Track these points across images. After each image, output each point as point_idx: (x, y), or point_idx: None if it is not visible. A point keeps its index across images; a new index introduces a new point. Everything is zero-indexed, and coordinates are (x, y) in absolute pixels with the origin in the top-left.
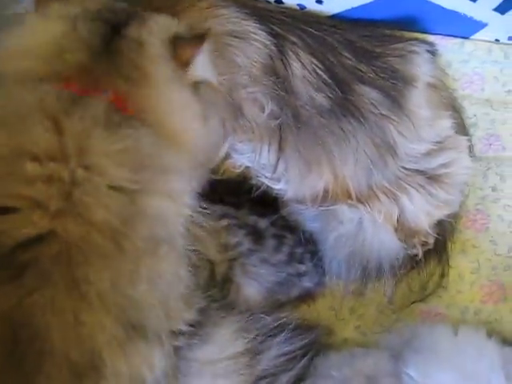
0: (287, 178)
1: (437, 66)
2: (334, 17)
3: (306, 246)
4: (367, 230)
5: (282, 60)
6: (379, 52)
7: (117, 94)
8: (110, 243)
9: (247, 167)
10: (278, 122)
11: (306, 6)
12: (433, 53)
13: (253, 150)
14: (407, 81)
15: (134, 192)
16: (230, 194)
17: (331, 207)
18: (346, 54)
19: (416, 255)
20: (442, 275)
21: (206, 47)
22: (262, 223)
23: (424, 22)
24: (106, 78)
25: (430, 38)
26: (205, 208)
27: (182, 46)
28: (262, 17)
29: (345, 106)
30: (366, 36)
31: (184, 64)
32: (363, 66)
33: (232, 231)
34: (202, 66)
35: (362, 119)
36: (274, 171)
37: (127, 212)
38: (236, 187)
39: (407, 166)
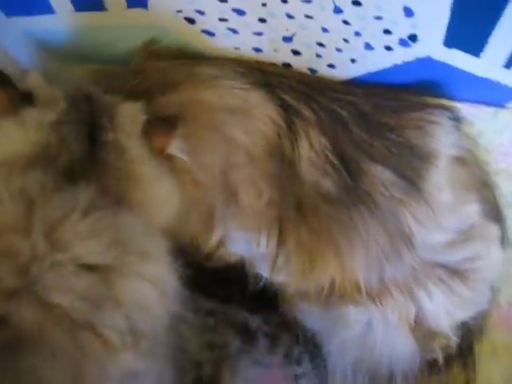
0: (289, 271)
1: (463, 136)
2: (348, 82)
3: (306, 345)
4: (377, 333)
5: (290, 139)
6: (394, 124)
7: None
8: (68, 336)
9: (243, 257)
10: (278, 210)
11: (318, 70)
12: (458, 120)
13: (249, 239)
14: (426, 158)
15: (106, 270)
16: (220, 284)
17: (337, 305)
18: (357, 130)
19: (436, 360)
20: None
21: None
22: (254, 321)
23: (451, 89)
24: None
25: (458, 105)
26: (190, 302)
27: (155, 136)
28: (272, 85)
29: (354, 193)
30: (381, 106)
31: (159, 151)
32: (376, 141)
33: (219, 330)
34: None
35: (373, 206)
36: (274, 263)
37: (97, 295)
38: (227, 276)
39: (425, 258)
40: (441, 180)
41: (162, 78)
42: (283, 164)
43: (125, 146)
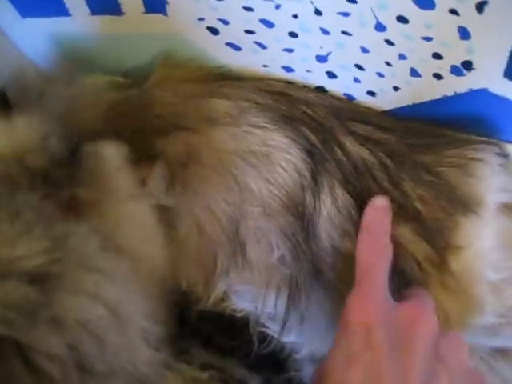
0: (301, 330)
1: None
2: (387, 114)
3: None
4: None
5: (313, 192)
6: (430, 162)
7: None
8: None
9: (248, 313)
10: (290, 271)
11: (356, 97)
12: (507, 158)
13: (255, 295)
14: (467, 204)
15: (43, 279)
16: (222, 333)
17: None
18: (386, 180)
19: None
20: None
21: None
22: (254, 381)
23: (508, 129)
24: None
25: (509, 148)
26: (184, 351)
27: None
28: (297, 120)
29: None
30: (419, 144)
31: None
32: (407, 187)
33: None
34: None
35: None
36: (283, 324)
37: (31, 309)
38: (233, 325)
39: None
40: (483, 236)
41: (172, 114)
42: (302, 222)
43: (104, 154)
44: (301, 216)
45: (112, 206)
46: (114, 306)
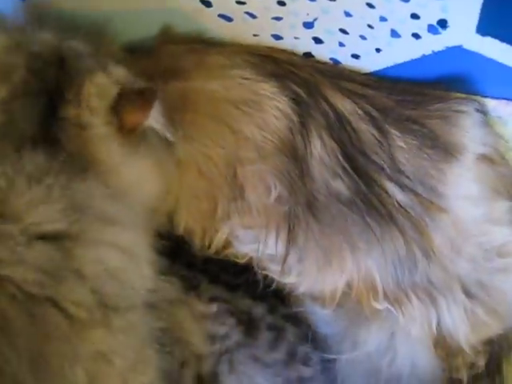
0: (300, 270)
1: (492, 132)
2: (371, 74)
3: (315, 343)
4: (399, 346)
5: (302, 135)
6: (417, 116)
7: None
8: (25, 313)
9: (251, 258)
10: (287, 207)
11: (341, 60)
12: (486, 114)
13: (256, 238)
14: (449, 152)
15: (62, 239)
16: (227, 272)
17: (354, 311)
18: (370, 132)
19: (460, 380)
20: None
21: (156, 110)
22: (258, 310)
23: (484, 84)
24: None
25: (491, 102)
26: (195, 287)
27: (127, 112)
28: (284, 76)
29: (367, 201)
30: (405, 100)
31: (130, 130)
32: (394, 135)
33: (221, 319)
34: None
35: (387, 218)
36: (283, 263)
37: (55, 267)
38: (235, 266)
39: (447, 269)
40: (466, 182)
41: (170, 63)
42: (295, 161)
43: (86, 123)
44: (294, 156)
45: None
46: (127, 247)
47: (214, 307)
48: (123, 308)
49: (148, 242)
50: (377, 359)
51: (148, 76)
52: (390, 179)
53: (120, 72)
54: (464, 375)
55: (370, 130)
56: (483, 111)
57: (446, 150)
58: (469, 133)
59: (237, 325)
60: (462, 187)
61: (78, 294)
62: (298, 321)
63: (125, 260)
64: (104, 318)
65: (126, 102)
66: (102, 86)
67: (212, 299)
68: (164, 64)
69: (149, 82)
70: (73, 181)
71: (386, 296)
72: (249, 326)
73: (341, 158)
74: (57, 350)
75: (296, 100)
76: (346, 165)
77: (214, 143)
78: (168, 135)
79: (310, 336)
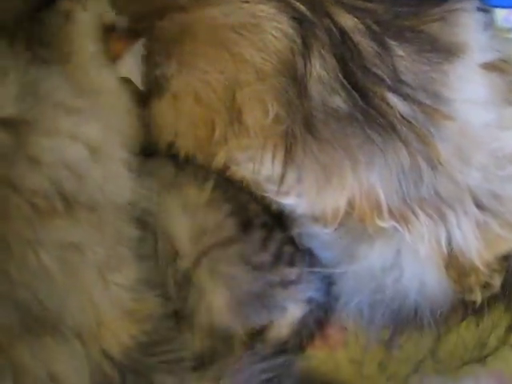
0: (299, 190)
1: (499, 38)
2: None
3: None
4: (405, 264)
5: (303, 56)
6: (415, 24)
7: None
8: None
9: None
10: (285, 127)
11: None
12: (488, 12)
13: (251, 158)
14: (451, 52)
15: (18, 125)
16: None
17: (357, 230)
18: (371, 46)
19: (473, 303)
20: (510, 328)
21: (138, 47)
22: (254, 205)
23: None
24: None
25: (502, 12)
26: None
27: (113, 38)
28: None
29: (368, 115)
30: (403, 12)
31: (112, 56)
32: (393, 45)
33: (215, 205)
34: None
35: (390, 130)
36: (281, 183)
37: (10, 152)
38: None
39: (456, 181)
40: (472, 85)
41: None
42: (294, 81)
43: (76, 17)
44: (292, 77)
45: (77, 69)
46: (94, 143)
47: (207, 192)
48: (89, 205)
49: (121, 141)
50: (382, 277)
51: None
52: (391, 90)
53: None
54: (478, 296)
55: (369, 44)
56: (484, 9)
57: (447, 51)
58: (471, 32)
59: (231, 215)
60: (469, 90)
61: (34, 181)
62: (286, 228)
63: (88, 156)
64: (67, 210)
65: (116, 30)
66: (102, 7)
67: (206, 178)
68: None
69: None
70: (34, 68)
71: (390, 213)
72: (243, 219)
73: (340, 75)
74: (18, 233)
75: (299, 19)
76: (345, 81)
77: (213, 69)
78: (139, 84)
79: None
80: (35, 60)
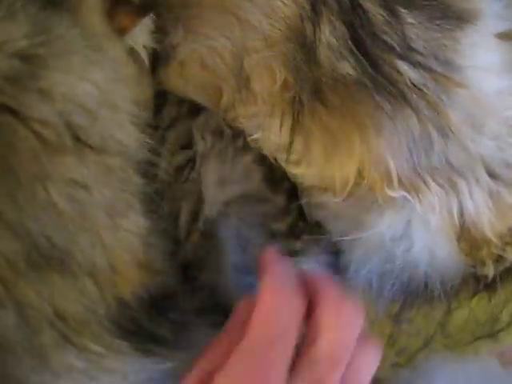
0: (308, 160)
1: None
2: None
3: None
4: (415, 235)
5: (313, 22)
6: None
7: None
8: None
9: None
10: (293, 94)
11: None
12: None
13: (258, 125)
14: (463, 18)
15: (29, 59)
16: None
17: (366, 200)
18: (383, 12)
19: (485, 277)
20: None
21: (147, 22)
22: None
23: None
24: None
25: None
26: None
27: (122, 11)
28: None
29: (377, 81)
30: None
31: (118, 30)
32: (404, 13)
33: (243, 153)
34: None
35: (400, 98)
36: (290, 152)
37: (20, 77)
38: None
39: (469, 150)
40: (485, 52)
41: None
42: (302, 47)
43: None
44: (301, 43)
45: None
46: (103, 87)
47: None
48: (97, 146)
49: (131, 96)
50: (391, 246)
51: None
52: (401, 57)
53: None
54: (490, 270)
55: (379, 12)
56: None
57: (458, 18)
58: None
59: (260, 165)
60: (481, 57)
61: (43, 112)
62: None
63: (97, 95)
64: (76, 147)
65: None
66: None
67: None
68: None
69: None
70: (45, 11)
71: (401, 182)
72: (271, 177)
73: (349, 41)
74: (26, 166)
75: None
76: (354, 47)
77: (220, 34)
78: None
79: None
80: (46, 3)
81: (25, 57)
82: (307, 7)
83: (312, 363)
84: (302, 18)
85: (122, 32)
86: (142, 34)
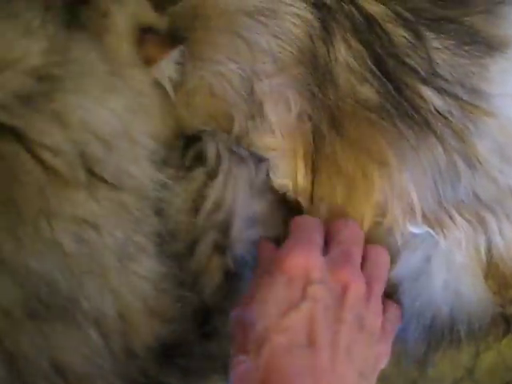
0: (327, 206)
1: None
2: None
3: None
4: (437, 273)
5: (325, 41)
6: (454, 16)
7: None
8: None
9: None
10: (310, 124)
11: None
12: None
13: (282, 166)
14: (493, 46)
15: (46, 77)
16: None
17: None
18: (403, 35)
19: None
20: None
21: (177, 53)
22: None
23: None
24: None
25: None
26: None
27: (151, 41)
28: None
29: (400, 106)
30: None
31: (146, 60)
32: (428, 36)
33: None
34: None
35: (424, 126)
36: (311, 198)
37: (32, 96)
38: None
39: (497, 182)
40: None
41: None
42: (316, 70)
43: (111, 12)
44: (314, 66)
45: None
46: (121, 116)
47: None
48: (112, 182)
49: (150, 130)
50: (410, 289)
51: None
52: (425, 83)
53: None
54: None
55: (401, 33)
56: None
57: (488, 44)
58: None
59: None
60: (510, 85)
61: (55, 138)
62: None
63: (114, 124)
64: (90, 182)
65: (153, 33)
66: (141, 8)
67: None
68: None
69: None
70: (66, 29)
71: (425, 217)
72: None
73: (369, 61)
74: (30, 200)
75: (316, 4)
76: (375, 68)
77: (227, 58)
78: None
79: None
80: (67, 22)
81: (39, 76)
82: (316, 25)
83: (339, 242)
84: (312, 38)
85: (148, 63)
86: (168, 66)
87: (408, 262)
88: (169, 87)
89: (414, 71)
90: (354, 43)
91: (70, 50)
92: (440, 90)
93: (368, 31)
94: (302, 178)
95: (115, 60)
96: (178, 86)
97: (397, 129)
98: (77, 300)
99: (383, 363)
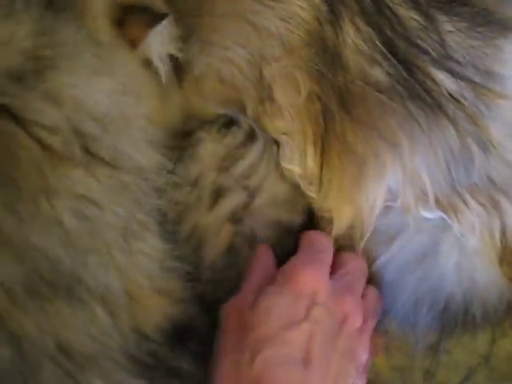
0: (334, 193)
1: None
2: None
3: None
4: (449, 259)
5: (333, 24)
6: None
7: None
8: None
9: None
10: (320, 105)
11: None
12: None
13: (292, 150)
14: (507, 25)
15: (37, 58)
16: None
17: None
18: (417, 17)
19: None
20: None
21: (160, 28)
22: None
23: None
24: None
25: None
26: None
27: (129, 22)
28: None
29: (412, 89)
30: None
31: (130, 42)
32: (440, 20)
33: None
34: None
35: (436, 109)
36: (321, 185)
37: (25, 75)
38: None
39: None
40: None
41: None
42: (325, 52)
43: None
44: (323, 48)
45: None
46: (112, 98)
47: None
48: (110, 162)
49: (145, 112)
50: (421, 275)
51: None
52: (437, 65)
53: None
54: None
55: (412, 16)
56: None
57: (502, 25)
58: None
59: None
60: None
61: (49, 117)
62: None
63: (108, 107)
64: (87, 160)
65: (132, 14)
66: None
67: None
68: None
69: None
70: (50, 14)
71: (438, 202)
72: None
73: (379, 43)
74: (28, 177)
75: None
76: (385, 50)
77: (235, 43)
78: (162, 71)
79: None
80: (51, 6)
81: (29, 56)
82: (324, 8)
83: (347, 272)
84: (320, 21)
85: (133, 43)
86: (158, 45)
87: (411, 244)
88: (162, 66)
89: (426, 53)
90: (363, 26)
91: (56, 32)
92: (453, 73)
93: (377, 14)
94: (312, 160)
95: (99, 42)
96: (184, 73)
97: (407, 111)
98: (81, 277)
99: None
